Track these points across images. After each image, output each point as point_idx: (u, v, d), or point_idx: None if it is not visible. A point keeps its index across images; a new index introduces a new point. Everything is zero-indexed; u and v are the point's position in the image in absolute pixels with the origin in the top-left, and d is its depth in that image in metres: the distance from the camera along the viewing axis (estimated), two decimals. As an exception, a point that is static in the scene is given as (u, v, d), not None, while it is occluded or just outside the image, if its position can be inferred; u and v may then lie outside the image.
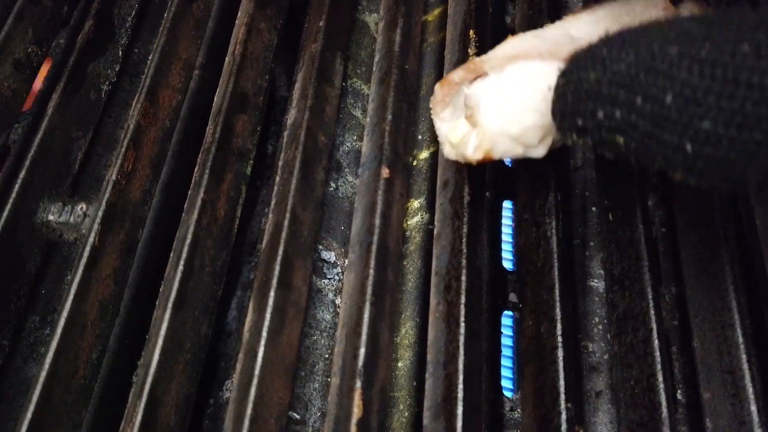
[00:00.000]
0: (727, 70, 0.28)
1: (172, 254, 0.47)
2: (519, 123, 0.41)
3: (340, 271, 0.60)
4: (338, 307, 0.60)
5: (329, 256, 0.63)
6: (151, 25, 0.64)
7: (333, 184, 0.66)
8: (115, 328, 0.47)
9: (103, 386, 0.46)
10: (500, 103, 0.41)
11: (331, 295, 0.61)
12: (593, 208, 0.57)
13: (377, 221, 0.48)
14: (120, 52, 0.59)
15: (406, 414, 0.49)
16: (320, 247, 0.63)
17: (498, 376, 0.51)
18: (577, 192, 0.56)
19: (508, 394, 0.51)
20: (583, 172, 0.57)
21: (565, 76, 0.35)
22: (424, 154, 0.67)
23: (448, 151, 0.45)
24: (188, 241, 0.46)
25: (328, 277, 0.62)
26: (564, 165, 0.53)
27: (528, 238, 0.50)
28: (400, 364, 0.51)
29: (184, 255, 0.46)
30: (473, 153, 0.43)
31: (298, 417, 0.49)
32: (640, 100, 0.31)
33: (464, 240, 0.47)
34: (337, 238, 0.62)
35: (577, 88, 0.34)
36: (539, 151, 0.43)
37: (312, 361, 0.50)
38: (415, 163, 0.71)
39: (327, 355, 0.52)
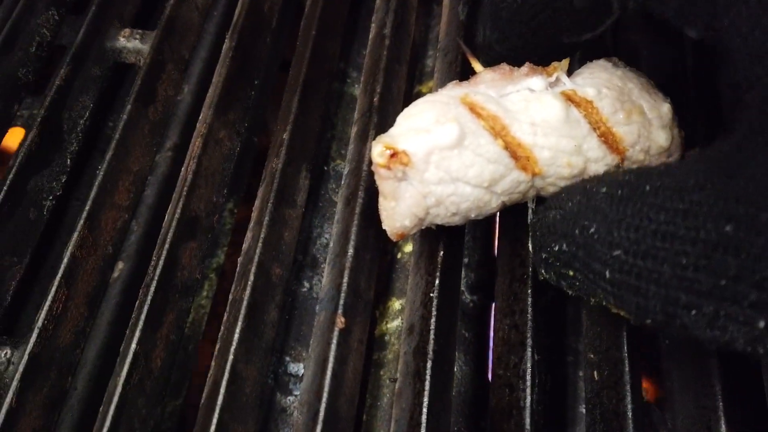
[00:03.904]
0: (635, 206, 0.33)
1: (98, 418, 0.42)
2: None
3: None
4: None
5: (296, 368, 0.58)
6: (110, 126, 0.60)
7: (307, 284, 0.61)
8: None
9: None
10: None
11: (296, 414, 0.56)
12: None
13: (327, 382, 0.43)
14: (68, 161, 0.55)
15: None
16: (287, 358, 0.58)
17: None
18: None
19: None
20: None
21: (536, 214, 0.41)
22: (408, 248, 0.62)
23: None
24: (114, 403, 0.41)
25: (294, 393, 0.57)
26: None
27: (501, 397, 0.44)
28: None
29: (108, 422, 0.41)
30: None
31: None
32: (577, 231, 0.35)
33: (424, 409, 0.42)
34: (307, 347, 0.57)
35: (542, 225, 0.39)
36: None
37: None
38: (399, 256, 0.66)
39: None
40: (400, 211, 0.44)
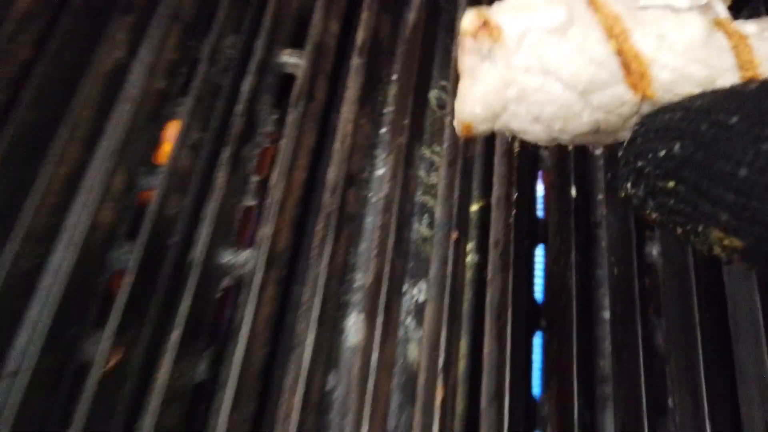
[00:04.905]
0: None
1: (306, 291, 0.69)
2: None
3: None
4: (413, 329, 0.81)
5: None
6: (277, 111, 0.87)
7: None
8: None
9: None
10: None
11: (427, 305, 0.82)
12: (608, 259, 0.78)
13: (448, 281, 0.70)
14: (258, 137, 0.82)
15: (461, 406, 0.70)
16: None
17: (530, 381, 0.72)
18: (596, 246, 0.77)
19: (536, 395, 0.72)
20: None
21: (641, 122, 0.35)
22: (474, 207, 0.89)
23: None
24: (321, 282, 0.69)
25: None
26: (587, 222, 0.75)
27: (555, 282, 0.71)
28: (459, 368, 0.72)
29: (316, 302, 0.68)
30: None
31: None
32: (705, 126, 0.29)
33: (510, 286, 0.69)
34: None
35: (648, 129, 0.33)
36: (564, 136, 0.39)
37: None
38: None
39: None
40: (474, 93, 0.40)
